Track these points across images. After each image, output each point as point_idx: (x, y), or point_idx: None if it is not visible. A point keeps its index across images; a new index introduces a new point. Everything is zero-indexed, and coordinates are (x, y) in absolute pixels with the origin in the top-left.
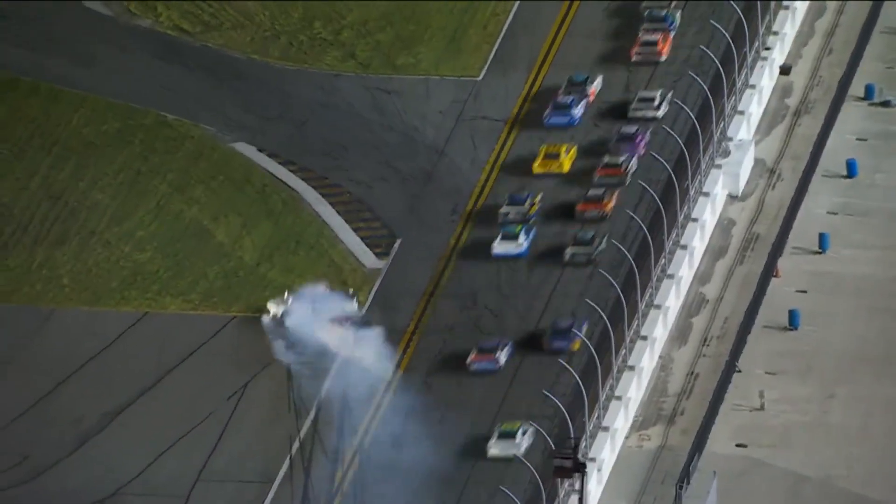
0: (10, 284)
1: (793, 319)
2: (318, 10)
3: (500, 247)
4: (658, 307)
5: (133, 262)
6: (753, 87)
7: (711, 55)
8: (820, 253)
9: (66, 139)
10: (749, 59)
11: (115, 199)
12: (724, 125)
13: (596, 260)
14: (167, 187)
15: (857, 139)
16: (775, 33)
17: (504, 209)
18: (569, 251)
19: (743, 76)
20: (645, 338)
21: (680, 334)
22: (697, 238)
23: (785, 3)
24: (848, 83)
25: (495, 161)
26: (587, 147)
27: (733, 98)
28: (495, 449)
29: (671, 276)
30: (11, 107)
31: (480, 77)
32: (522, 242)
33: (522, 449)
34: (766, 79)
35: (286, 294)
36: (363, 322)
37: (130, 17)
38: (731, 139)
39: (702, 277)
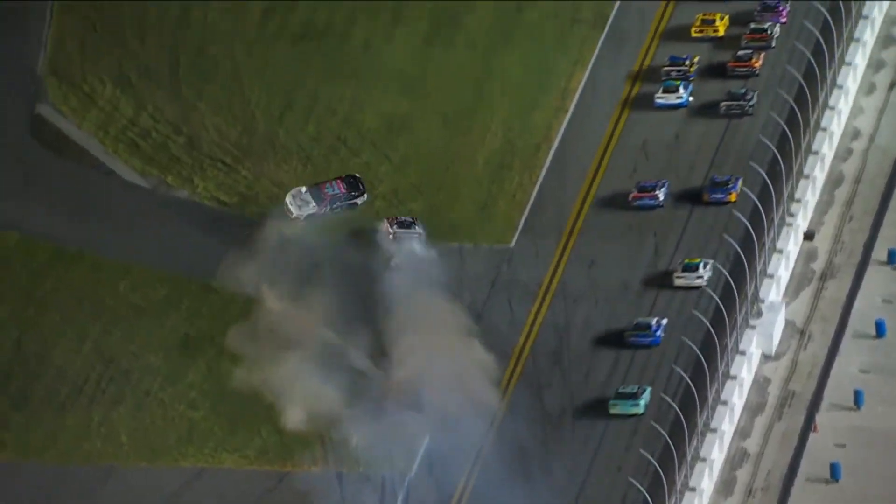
0: (69, 444)
1: (834, 472)
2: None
3: (661, 98)
4: (703, 459)
5: (188, 420)
6: (780, 251)
7: (744, 219)
8: (856, 409)
9: (115, 305)
10: (775, 225)
11: (167, 360)
12: (755, 287)
13: (749, 112)
14: (215, 349)
15: (883, 301)
16: (797, 201)
17: (666, 68)
18: (723, 105)
19: (770, 240)
20: (693, 489)
21: (725, 487)
22: (736, 395)
23: (806, 172)
24: (871, 247)
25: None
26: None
27: (762, 261)
28: (681, 280)
29: (714, 430)
30: (58, 276)
31: (513, 244)
32: (682, 94)
33: (706, 279)
34: (791, 244)
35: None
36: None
37: (167, 188)
38: (762, 301)
39: (742, 432)
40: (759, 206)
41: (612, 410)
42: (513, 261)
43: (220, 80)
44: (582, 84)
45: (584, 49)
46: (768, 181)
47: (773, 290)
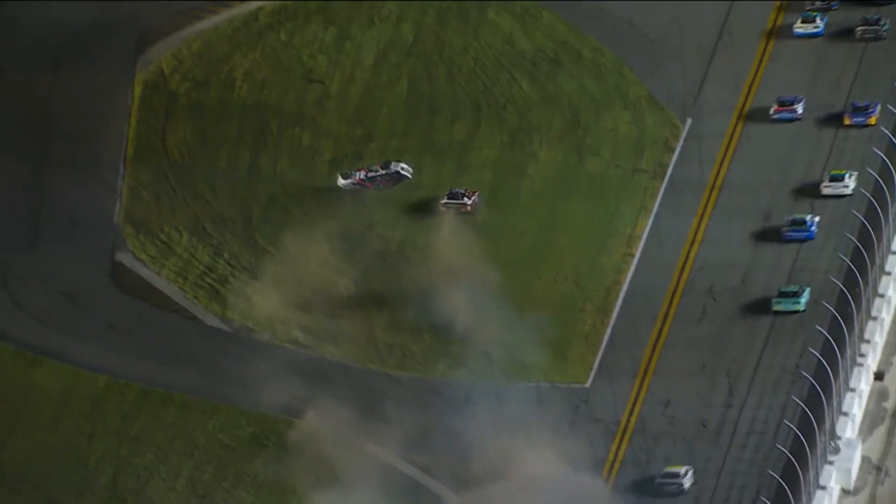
0: None
1: None
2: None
3: (799, 28)
4: None
5: None
6: (853, 390)
7: (819, 356)
8: None
9: (205, 443)
10: (847, 364)
11: (259, 496)
12: (832, 424)
13: (883, 36)
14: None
15: None
16: (867, 341)
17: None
18: (859, 29)
19: (841, 379)
20: None
21: None
22: None
23: (874, 314)
24: None
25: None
26: None
27: (836, 399)
28: (828, 189)
29: None
30: (149, 415)
31: (588, 384)
32: (819, 24)
33: (850, 189)
34: (863, 383)
35: None
36: None
37: (249, 332)
38: (839, 437)
39: None
40: (835, 345)
41: None
42: (590, 400)
43: (293, 227)
44: (647, 231)
45: (646, 197)
46: (842, 322)
47: (849, 428)
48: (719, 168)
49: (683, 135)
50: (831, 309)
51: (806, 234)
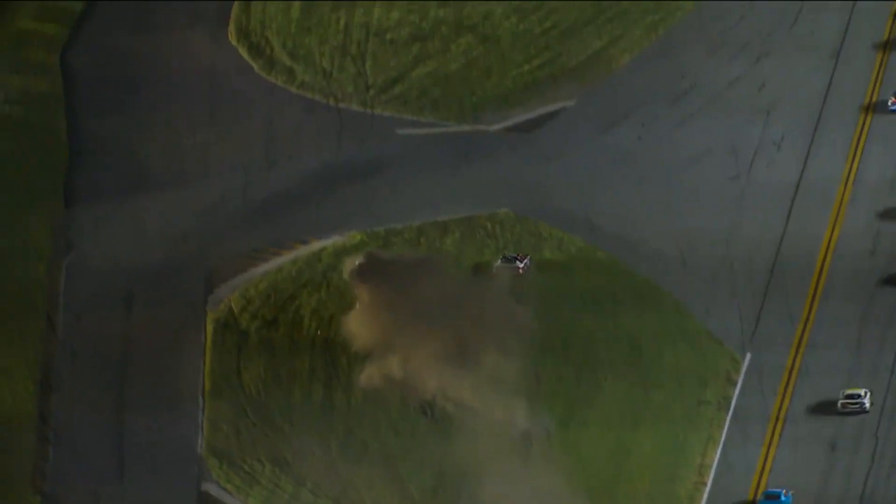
0: None
1: None
2: None
3: None
4: None
5: None
6: None
7: None
8: None
9: None
10: None
11: None
12: None
13: None
14: None
15: None
16: None
17: None
18: None
19: None
20: None
21: None
22: None
23: None
24: None
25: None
26: None
27: None
28: None
29: None
30: None
31: None
32: None
33: None
34: None
35: None
36: None
37: None
38: None
39: None
40: None
41: None
42: None
43: (371, 458)
44: (716, 460)
45: (713, 428)
46: None
47: None
48: (782, 399)
49: (744, 368)
50: None
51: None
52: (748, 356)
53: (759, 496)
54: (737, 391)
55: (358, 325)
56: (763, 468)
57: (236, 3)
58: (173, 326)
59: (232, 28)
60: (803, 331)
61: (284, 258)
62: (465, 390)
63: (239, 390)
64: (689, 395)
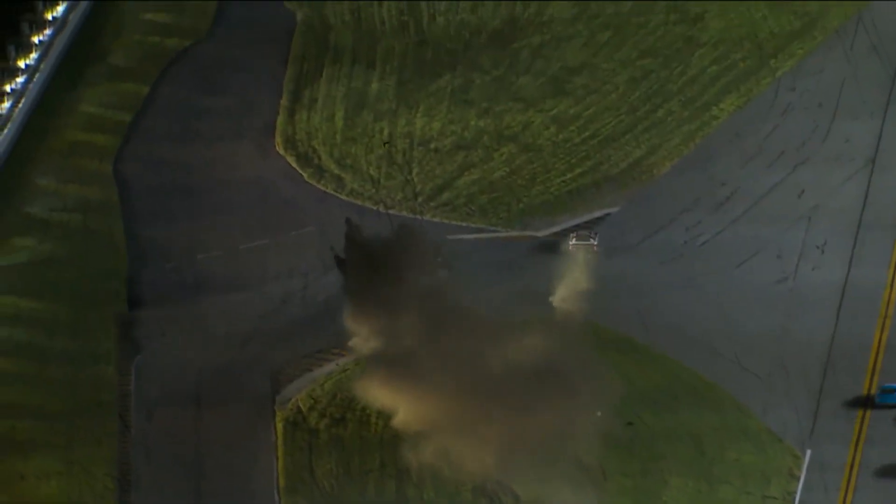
0: None
1: None
2: None
3: None
4: None
5: None
6: None
7: None
8: None
9: None
10: None
11: None
12: None
13: None
14: None
15: None
16: None
17: None
18: None
19: None
20: None
21: None
22: None
23: None
24: None
25: None
26: None
27: None
28: None
29: None
30: None
31: None
32: None
33: None
34: None
35: None
36: None
37: None
38: None
39: None
40: None
41: None
42: None
43: None
44: None
45: None
46: None
47: None
48: (845, 495)
49: (805, 464)
50: None
51: None
52: (808, 452)
53: None
54: (800, 487)
55: (407, 409)
56: None
57: (281, 114)
58: (243, 425)
59: (279, 139)
60: (860, 427)
61: (347, 358)
62: (529, 482)
63: (313, 486)
64: (754, 491)
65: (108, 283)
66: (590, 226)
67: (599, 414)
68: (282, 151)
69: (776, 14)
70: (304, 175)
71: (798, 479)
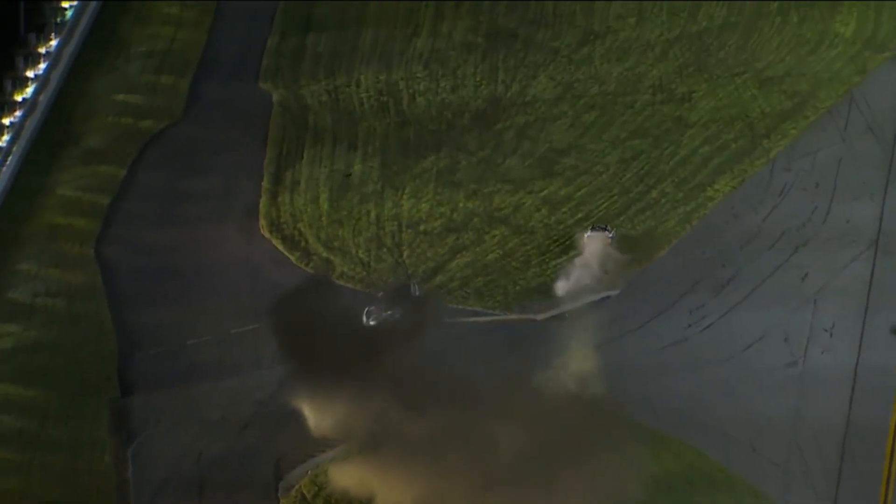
0: None
1: None
2: None
3: None
4: None
5: None
6: None
7: None
8: None
9: None
10: None
11: None
12: None
13: None
14: None
15: None
16: None
17: None
18: None
19: None
20: None
21: None
22: None
23: None
24: None
25: None
26: None
27: None
28: None
29: None
30: None
31: None
32: None
33: None
34: None
35: None
36: None
37: None
38: None
39: None
40: None
41: None
42: None
43: None
44: None
45: None
46: None
47: None
48: None
49: None
50: None
51: None
52: None
53: None
54: None
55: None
56: None
57: (263, 196)
58: None
59: (263, 221)
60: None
61: (350, 444)
62: None
63: None
64: None
65: (98, 368)
66: (590, 306)
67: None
68: (267, 234)
69: (766, 94)
70: (292, 258)
71: None
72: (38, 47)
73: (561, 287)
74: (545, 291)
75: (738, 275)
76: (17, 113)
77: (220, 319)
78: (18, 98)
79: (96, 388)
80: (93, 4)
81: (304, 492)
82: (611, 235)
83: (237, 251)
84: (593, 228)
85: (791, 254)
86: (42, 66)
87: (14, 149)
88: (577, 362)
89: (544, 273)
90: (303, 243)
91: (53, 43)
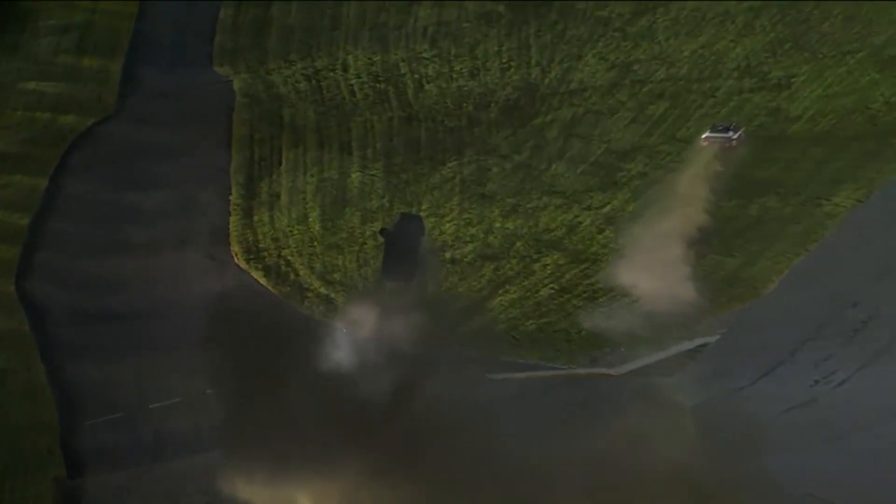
0: None
1: None
2: None
3: None
4: None
5: None
6: None
7: None
8: None
9: None
10: None
11: None
12: None
13: None
14: None
15: None
16: None
17: None
18: None
19: None
20: None
21: None
22: None
23: None
24: None
25: None
26: None
27: None
28: None
29: None
30: None
31: None
32: None
33: None
34: None
35: None
36: None
37: None
38: None
39: None
40: None
41: None
42: None
43: None
44: None
45: None
46: None
47: None
48: None
49: None
50: None
51: None
52: None
53: None
54: None
55: None
56: None
57: (233, 215)
58: None
59: (236, 247)
60: None
61: None
62: None
63: None
64: None
65: (36, 440)
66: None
67: None
68: (243, 264)
69: (889, 77)
70: (278, 294)
71: None
72: None
73: (641, 332)
74: (620, 338)
75: (875, 316)
76: None
77: (189, 375)
78: None
79: (36, 465)
80: None
81: None
82: (735, 137)
83: (205, 286)
84: (713, 129)
85: None
86: None
87: None
88: (667, 431)
89: (616, 313)
90: (292, 276)
91: None
